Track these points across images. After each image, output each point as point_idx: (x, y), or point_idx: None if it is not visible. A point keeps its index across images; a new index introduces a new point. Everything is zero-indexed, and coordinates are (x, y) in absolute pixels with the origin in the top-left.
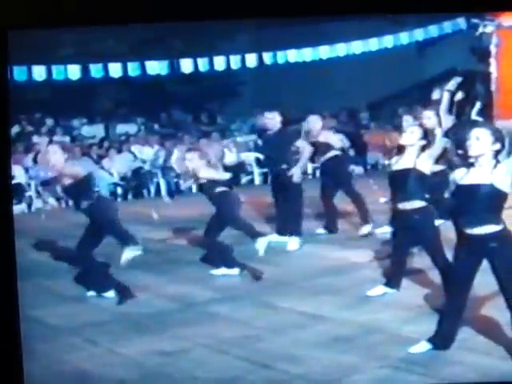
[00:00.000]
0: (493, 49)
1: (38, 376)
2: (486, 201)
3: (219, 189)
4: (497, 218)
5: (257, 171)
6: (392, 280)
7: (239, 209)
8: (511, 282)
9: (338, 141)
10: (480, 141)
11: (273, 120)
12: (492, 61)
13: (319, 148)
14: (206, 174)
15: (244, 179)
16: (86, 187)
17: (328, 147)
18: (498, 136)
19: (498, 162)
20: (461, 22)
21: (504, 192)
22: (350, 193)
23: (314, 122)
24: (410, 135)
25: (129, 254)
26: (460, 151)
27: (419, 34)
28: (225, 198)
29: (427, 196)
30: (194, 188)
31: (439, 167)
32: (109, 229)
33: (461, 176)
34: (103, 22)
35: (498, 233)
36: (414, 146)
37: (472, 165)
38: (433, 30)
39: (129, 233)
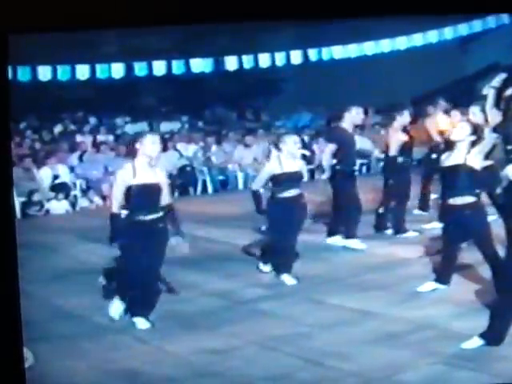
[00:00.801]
0: None
1: (86, 374)
2: None
3: None
4: None
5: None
6: (442, 276)
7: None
8: None
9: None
10: None
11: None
12: None
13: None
14: None
15: None
16: None
17: None
18: None
19: None
20: (504, 17)
21: None
22: None
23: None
24: (460, 131)
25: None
26: (510, 147)
27: (463, 29)
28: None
29: (478, 191)
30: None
31: (489, 162)
32: None
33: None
34: (113, 25)
35: None
36: (464, 142)
37: None
38: (476, 25)
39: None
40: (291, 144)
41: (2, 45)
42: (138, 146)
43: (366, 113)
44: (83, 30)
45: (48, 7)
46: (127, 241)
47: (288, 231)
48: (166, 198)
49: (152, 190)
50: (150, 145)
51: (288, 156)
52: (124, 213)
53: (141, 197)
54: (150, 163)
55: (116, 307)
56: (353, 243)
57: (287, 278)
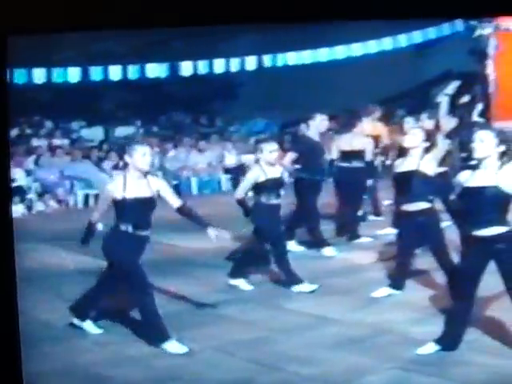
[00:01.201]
0: (491, 51)
1: (47, 379)
2: (492, 203)
3: None
4: (503, 219)
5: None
6: (396, 281)
7: None
8: None
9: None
10: (484, 143)
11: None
12: (490, 63)
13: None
14: None
15: None
16: None
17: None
18: (503, 138)
19: (503, 163)
20: (459, 25)
21: (509, 194)
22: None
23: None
24: (413, 137)
25: None
26: (463, 154)
27: (418, 37)
28: None
29: (432, 197)
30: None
31: (443, 169)
32: None
33: (466, 178)
34: (103, 26)
35: (505, 234)
36: (418, 148)
37: (477, 167)
38: (431, 33)
39: None
40: (266, 152)
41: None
42: (127, 158)
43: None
44: (80, 31)
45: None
46: (115, 253)
47: (272, 237)
48: (174, 202)
49: (143, 204)
50: (140, 157)
51: (267, 163)
52: (100, 226)
53: (130, 211)
54: (141, 175)
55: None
56: (327, 251)
57: (243, 284)
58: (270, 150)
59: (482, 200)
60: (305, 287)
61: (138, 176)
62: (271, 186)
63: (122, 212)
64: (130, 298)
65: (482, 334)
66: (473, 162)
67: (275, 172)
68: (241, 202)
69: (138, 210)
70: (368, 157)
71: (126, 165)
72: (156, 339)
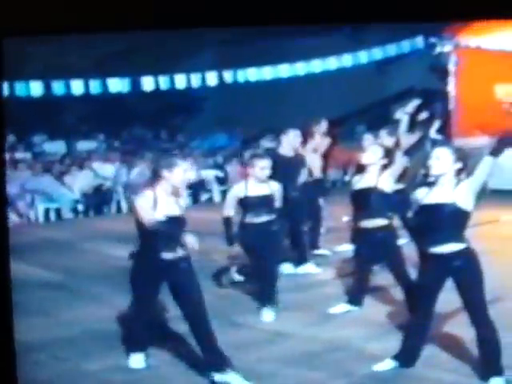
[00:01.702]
0: (451, 67)
1: None
2: (449, 220)
3: None
4: (460, 236)
5: (216, 189)
6: (354, 297)
7: None
8: (475, 300)
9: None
10: (441, 160)
11: None
12: (450, 79)
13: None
14: None
15: (204, 197)
16: None
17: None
18: (459, 155)
19: (459, 180)
20: (419, 42)
21: (466, 211)
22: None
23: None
24: (372, 154)
25: None
26: (422, 171)
27: (378, 53)
28: None
29: (389, 214)
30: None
31: (400, 186)
32: None
33: (423, 195)
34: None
35: (462, 251)
36: (376, 165)
37: (434, 184)
38: (391, 49)
39: None
40: (258, 169)
41: None
42: (165, 173)
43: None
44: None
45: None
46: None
47: (260, 258)
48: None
49: (174, 224)
50: (181, 173)
51: (256, 180)
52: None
53: (160, 232)
54: (174, 193)
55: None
56: (309, 268)
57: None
58: (262, 166)
59: (438, 217)
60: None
61: (171, 192)
62: (257, 204)
63: (151, 233)
64: None
65: (440, 351)
66: (430, 179)
67: (264, 189)
68: (226, 222)
69: (167, 231)
70: (316, 174)
71: (155, 179)
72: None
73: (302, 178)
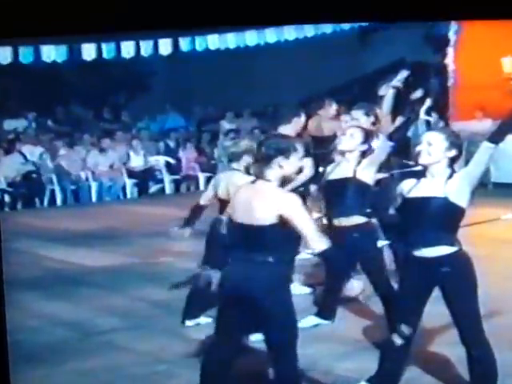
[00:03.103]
0: (451, 36)
1: None
2: (439, 217)
3: None
4: (451, 237)
5: (167, 178)
6: (325, 309)
7: None
8: (466, 314)
9: None
10: (433, 146)
11: None
12: (450, 51)
13: None
14: None
15: (153, 188)
16: None
17: None
18: (454, 141)
19: (453, 171)
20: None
21: (460, 207)
22: None
23: None
24: (350, 140)
25: None
26: (406, 160)
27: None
28: None
29: (369, 210)
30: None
31: (382, 175)
32: None
33: (409, 188)
34: None
35: (453, 255)
36: (354, 152)
37: (423, 174)
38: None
39: None
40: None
41: None
42: (281, 161)
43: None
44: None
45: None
46: None
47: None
48: None
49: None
50: (297, 162)
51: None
52: None
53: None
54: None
55: None
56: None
57: None
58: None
59: (426, 213)
60: None
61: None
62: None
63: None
64: None
65: (423, 373)
66: (418, 169)
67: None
68: (193, 210)
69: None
70: None
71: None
72: None
73: None
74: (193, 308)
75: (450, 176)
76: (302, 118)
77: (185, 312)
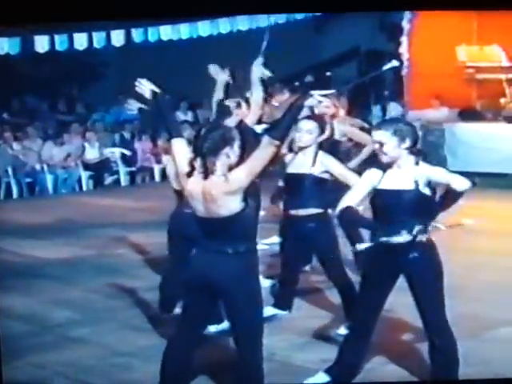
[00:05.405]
0: (405, 25)
1: None
2: (412, 207)
3: None
4: (423, 224)
5: (123, 170)
6: (282, 300)
7: None
8: (431, 302)
9: None
10: (386, 145)
11: None
12: (404, 39)
13: None
14: None
15: (108, 179)
16: None
17: None
18: (404, 132)
19: (419, 154)
20: None
21: (427, 195)
22: None
23: None
24: (308, 135)
25: None
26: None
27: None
28: None
29: (326, 202)
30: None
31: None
32: None
33: (378, 179)
34: None
35: (421, 242)
36: (312, 146)
37: (389, 166)
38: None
39: None
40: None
41: None
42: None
43: None
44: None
45: None
46: None
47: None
48: None
49: None
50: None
51: None
52: None
53: None
54: None
55: None
56: None
57: None
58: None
59: (399, 204)
60: None
61: None
62: None
63: None
64: None
65: (386, 362)
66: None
67: None
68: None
69: None
70: None
71: None
72: None
73: None
74: (168, 298)
75: (417, 165)
76: (244, 108)
77: (161, 304)
